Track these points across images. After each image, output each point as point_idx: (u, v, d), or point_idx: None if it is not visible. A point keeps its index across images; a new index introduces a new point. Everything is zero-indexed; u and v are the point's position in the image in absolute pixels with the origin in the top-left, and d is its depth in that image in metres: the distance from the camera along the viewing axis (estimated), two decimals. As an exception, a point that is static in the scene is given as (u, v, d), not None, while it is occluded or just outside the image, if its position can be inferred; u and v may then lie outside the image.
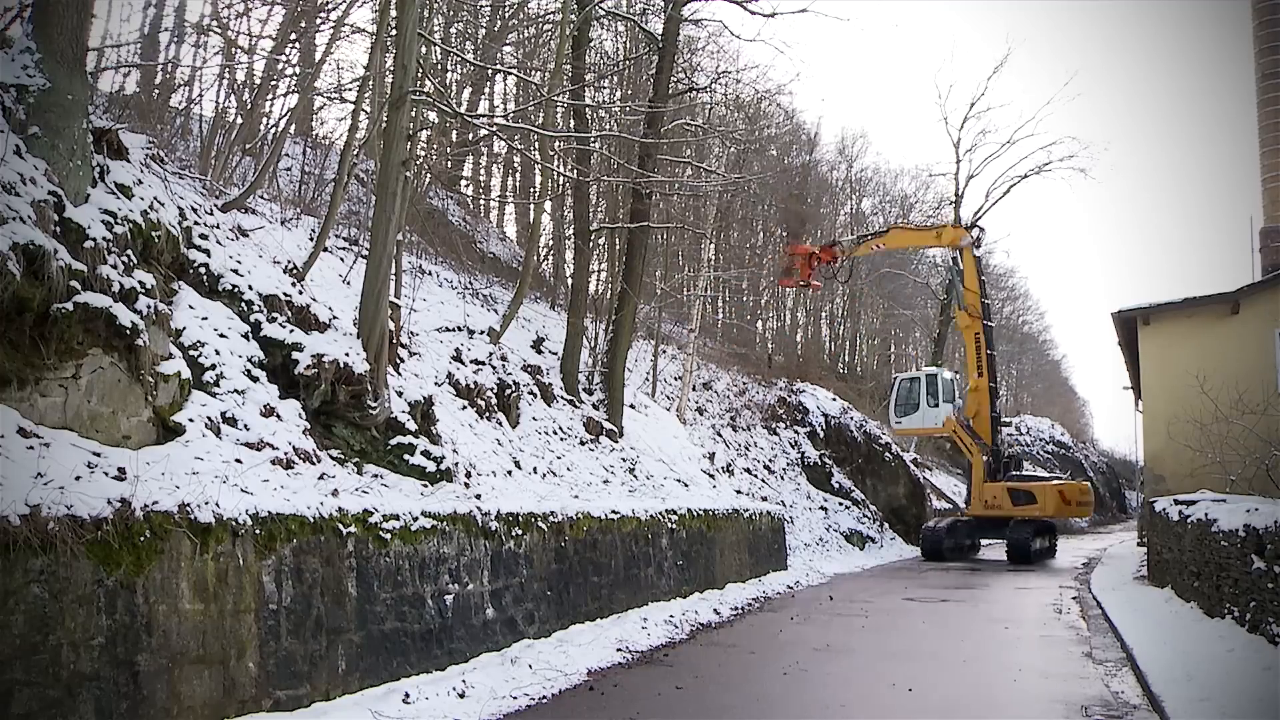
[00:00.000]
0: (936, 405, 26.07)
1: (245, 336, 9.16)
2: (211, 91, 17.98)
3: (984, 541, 27.83)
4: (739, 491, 21.42)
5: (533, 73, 28.33)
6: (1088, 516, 30.24)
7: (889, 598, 16.69)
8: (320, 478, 8.63)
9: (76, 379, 6.86)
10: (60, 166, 7.08)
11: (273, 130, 18.77)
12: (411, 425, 10.33)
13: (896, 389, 27.31)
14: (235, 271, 9.52)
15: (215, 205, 10.55)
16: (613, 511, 12.98)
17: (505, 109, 29.29)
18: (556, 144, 18.05)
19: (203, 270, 9.17)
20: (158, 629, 6.30)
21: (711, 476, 20.75)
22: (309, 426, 9.25)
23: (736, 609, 14.75)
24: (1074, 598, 17.13)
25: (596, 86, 31.19)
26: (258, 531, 7.16)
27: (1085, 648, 11.88)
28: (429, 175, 20.32)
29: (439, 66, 24.11)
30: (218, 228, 9.96)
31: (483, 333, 15.23)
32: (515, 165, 29.39)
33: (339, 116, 21.54)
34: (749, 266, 37.40)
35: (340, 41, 21.33)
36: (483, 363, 14.44)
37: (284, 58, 20.04)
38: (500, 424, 13.83)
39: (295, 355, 9.43)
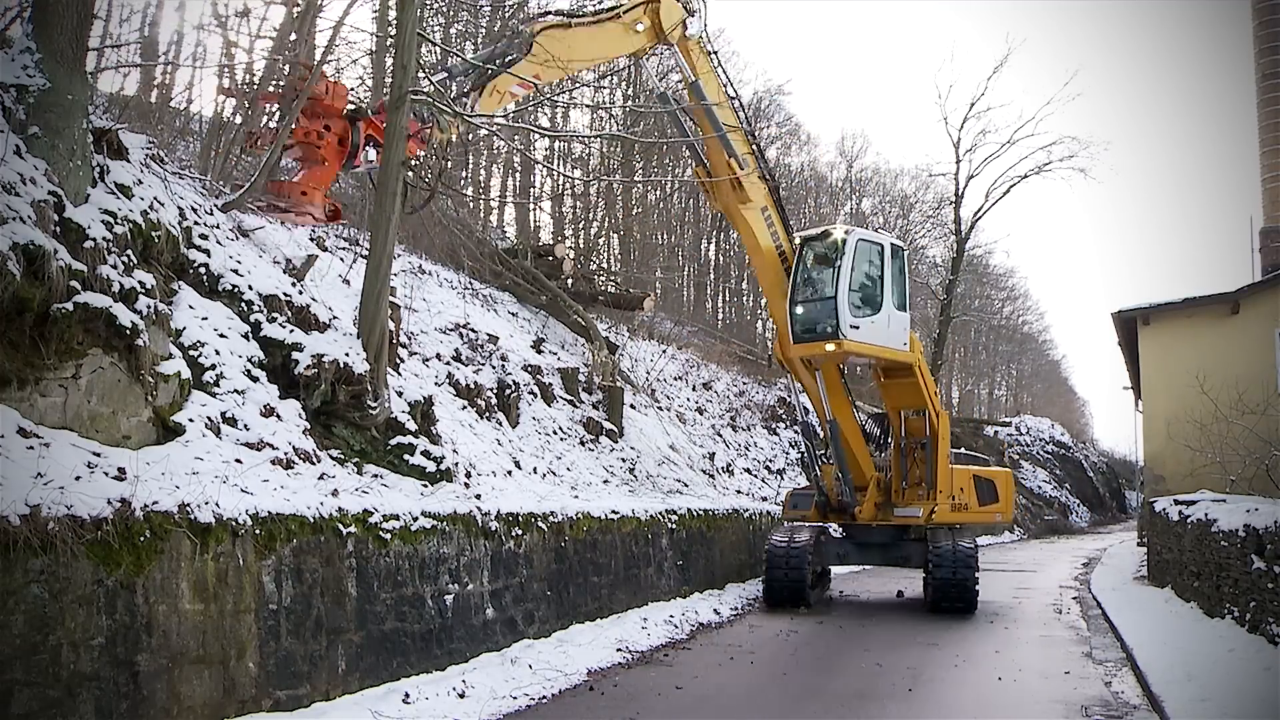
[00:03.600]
0: (903, 308, 15.11)
1: (245, 336, 9.15)
2: (211, 91, 17.96)
3: (846, 568, 18.97)
4: (739, 491, 21.41)
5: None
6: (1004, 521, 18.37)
7: (889, 595, 16.70)
8: (320, 478, 8.62)
9: (76, 379, 6.86)
10: (60, 166, 7.07)
11: (273, 130, 18.78)
12: (411, 425, 10.33)
13: (852, 256, 14.47)
14: (235, 271, 9.51)
15: (215, 205, 10.54)
16: (613, 511, 12.98)
17: (505, 109, 29.25)
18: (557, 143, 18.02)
19: (203, 270, 9.17)
20: (158, 629, 6.30)
21: (711, 476, 20.74)
22: (309, 426, 9.25)
23: (736, 609, 14.76)
24: (1074, 598, 17.14)
25: (597, 86, 31.23)
26: (258, 531, 7.16)
27: (1085, 648, 11.88)
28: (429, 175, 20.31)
29: (439, 67, 24.14)
30: (218, 228, 9.95)
31: (483, 333, 15.23)
32: (515, 165, 29.40)
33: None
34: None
35: (340, 42, 21.34)
36: (483, 363, 14.44)
37: (283, 58, 20.05)
38: (500, 424, 13.82)
39: (295, 355, 9.43)
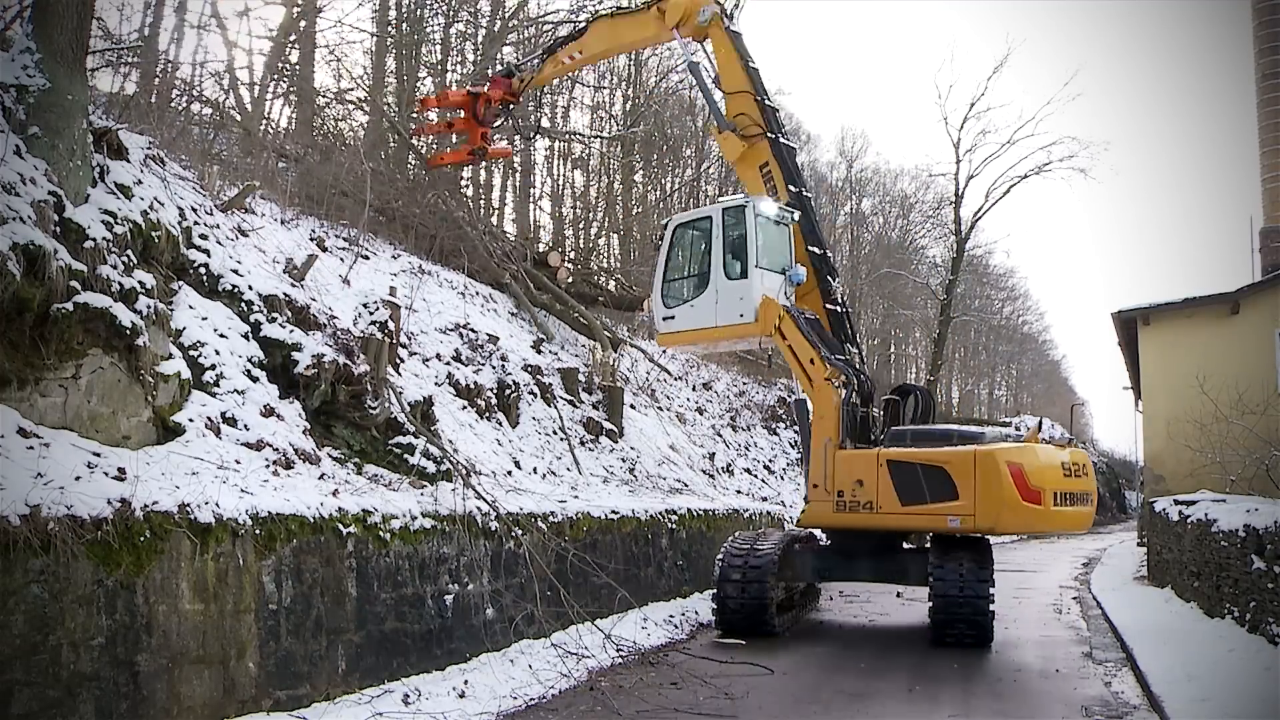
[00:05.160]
0: (744, 274, 12.92)
1: (245, 336, 9.15)
2: (212, 92, 17.97)
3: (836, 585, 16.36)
4: (739, 491, 21.41)
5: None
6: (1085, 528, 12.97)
7: (888, 595, 16.68)
8: (320, 478, 8.63)
9: (76, 379, 6.86)
10: (60, 166, 7.08)
11: (273, 129, 18.80)
12: (411, 425, 10.33)
13: (670, 243, 13.87)
14: (235, 271, 9.52)
15: (215, 205, 10.54)
16: (613, 511, 12.97)
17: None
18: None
19: (203, 270, 9.17)
20: (158, 629, 6.30)
21: (711, 476, 20.75)
22: (309, 426, 9.25)
23: (736, 609, 14.73)
24: (1074, 598, 17.14)
25: (597, 86, 31.25)
26: (258, 531, 7.16)
27: (1085, 648, 11.88)
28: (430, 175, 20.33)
29: (439, 67, 24.15)
30: (218, 228, 9.96)
31: (484, 332, 15.23)
32: (515, 165, 29.38)
33: (339, 116, 21.48)
34: None
35: (340, 43, 21.34)
36: (483, 363, 14.44)
37: (283, 58, 20.07)
38: (500, 424, 13.82)
39: (295, 355, 9.43)
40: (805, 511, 12.79)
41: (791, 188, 13.59)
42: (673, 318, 13.55)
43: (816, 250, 13.69)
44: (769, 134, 13.78)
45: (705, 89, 14.56)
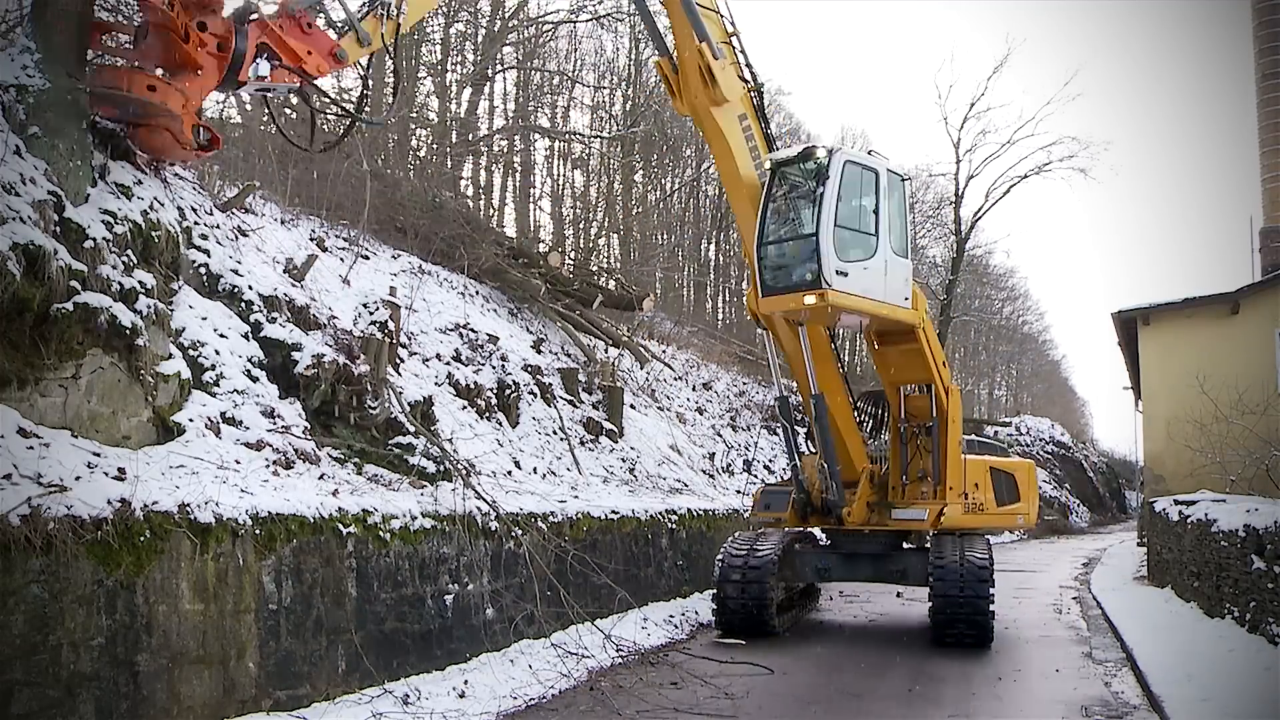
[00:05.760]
0: (906, 253, 12.32)
1: (245, 336, 9.16)
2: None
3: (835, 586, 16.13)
4: (739, 491, 21.40)
5: (532, 74, 28.33)
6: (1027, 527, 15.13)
7: (888, 595, 16.68)
8: (320, 478, 8.63)
9: (76, 379, 6.87)
10: (60, 166, 7.08)
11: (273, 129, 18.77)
12: (411, 425, 10.33)
13: (841, 182, 11.51)
14: (235, 271, 9.52)
15: (215, 205, 10.54)
16: (613, 511, 12.98)
17: (505, 109, 29.32)
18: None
19: (203, 270, 9.18)
20: (158, 629, 6.30)
21: (711, 476, 20.75)
22: (309, 426, 9.25)
23: (736, 609, 14.73)
24: (1074, 598, 17.14)
25: (597, 86, 31.28)
26: (258, 531, 7.16)
27: (1085, 648, 11.88)
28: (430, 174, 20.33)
29: (439, 67, 24.16)
30: (218, 228, 9.96)
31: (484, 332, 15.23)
32: (515, 165, 29.41)
33: (339, 115, 21.41)
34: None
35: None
36: (483, 363, 14.44)
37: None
38: (500, 424, 13.83)
39: (295, 355, 9.44)
40: (945, 514, 12.18)
41: (772, 155, 12.14)
42: (847, 274, 11.35)
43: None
44: (748, 80, 12.17)
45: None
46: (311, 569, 7.68)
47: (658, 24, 12.41)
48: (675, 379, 24.57)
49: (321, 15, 8.85)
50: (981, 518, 12.91)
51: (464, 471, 10.34)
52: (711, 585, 12.58)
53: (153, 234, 8.03)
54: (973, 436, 13.96)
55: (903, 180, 12.28)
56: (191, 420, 7.84)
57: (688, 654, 10.84)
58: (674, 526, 14.87)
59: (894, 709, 8.64)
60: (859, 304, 11.56)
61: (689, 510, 15.68)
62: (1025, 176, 36.16)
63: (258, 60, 8.35)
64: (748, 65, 12.22)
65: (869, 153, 12.96)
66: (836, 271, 11.25)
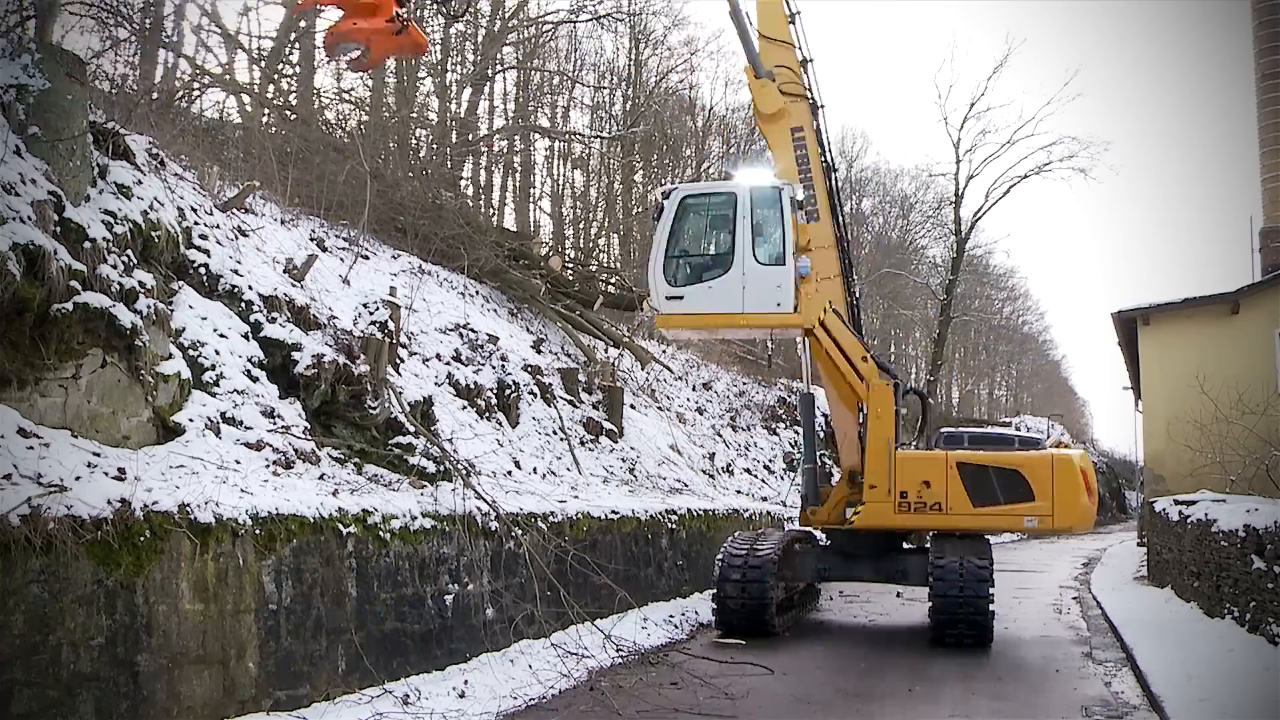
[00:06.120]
0: (782, 261, 12.14)
1: (245, 336, 9.15)
2: (212, 91, 17.98)
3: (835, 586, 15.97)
4: (739, 491, 21.42)
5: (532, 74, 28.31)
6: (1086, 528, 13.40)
7: (888, 595, 16.68)
8: (320, 478, 8.63)
9: (76, 379, 6.86)
10: (60, 166, 7.08)
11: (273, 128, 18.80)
12: (411, 425, 10.33)
13: (675, 216, 12.38)
14: (235, 271, 9.52)
15: (215, 205, 10.54)
16: (613, 511, 12.97)
17: (505, 109, 29.33)
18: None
19: (203, 270, 9.17)
20: (158, 629, 6.30)
21: (711, 476, 20.76)
22: (309, 426, 9.25)
23: (736, 609, 14.71)
24: (1074, 598, 17.15)
25: (597, 86, 31.28)
26: (258, 531, 7.16)
27: (1085, 648, 11.89)
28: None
29: (439, 67, 24.16)
30: (218, 228, 9.96)
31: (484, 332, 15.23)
32: (515, 165, 29.42)
33: (339, 115, 21.48)
34: None
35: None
36: (483, 363, 14.44)
37: (284, 58, 20.07)
38: (500, 424, 13.83)
39: (295, 355, 9.43)
40: (862, 512, 12.24)
41: (824, 161, 12.93)
42: (680, 298, 12.26)
43: (830, 165, 13.17)
44: (810, 97, 12.96)
45: (743, 28, 13.03)
46: (311, 569, 7.68)
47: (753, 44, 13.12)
48: (675, 379, 24.57)
49: None
50: (939, 518, 12.09)
51: (464, 471, 10.34)
52: (711, 585, 12.64)
53: (153, 234, 8.03)
54: (973, 430, 13.66)
55: (778, 190, 12.35)
56: (191, 420, 7.84)
57: (688, 654, 10.83)
58: (674, 526, 14.87)
59: (894, 709, 8.64)
60: (696, 321, 12.67)
61: (689, 510, 15.68)
62: (1025, 176, 36.17)
63: None
64: (811, 89, 13.07)
65: (725, 176, 13.93)
66: (667, 297, 12.33)
